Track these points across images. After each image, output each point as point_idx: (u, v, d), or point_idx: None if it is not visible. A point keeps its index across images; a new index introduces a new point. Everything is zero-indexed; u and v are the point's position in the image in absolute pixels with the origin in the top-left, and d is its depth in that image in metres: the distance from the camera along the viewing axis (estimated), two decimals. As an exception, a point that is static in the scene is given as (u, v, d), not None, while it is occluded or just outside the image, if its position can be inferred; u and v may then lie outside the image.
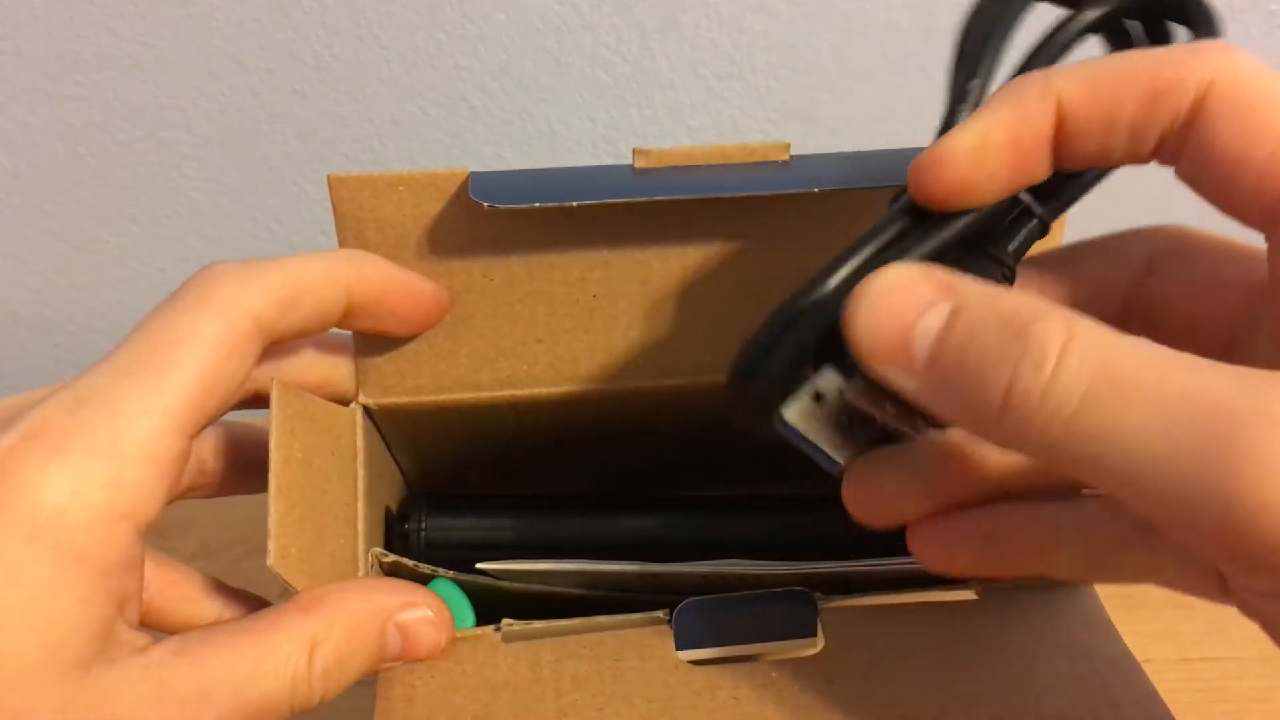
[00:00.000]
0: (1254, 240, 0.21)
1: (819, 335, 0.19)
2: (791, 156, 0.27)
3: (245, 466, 0.28)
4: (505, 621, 0.26)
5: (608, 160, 0.55)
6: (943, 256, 0.19)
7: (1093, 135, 0.19)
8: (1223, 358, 0.17)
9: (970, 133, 0.19)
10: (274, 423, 0.25)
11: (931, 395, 0.18)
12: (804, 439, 0.20)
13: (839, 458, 0.21)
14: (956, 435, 0.23)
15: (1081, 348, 0.16)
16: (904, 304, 0.18)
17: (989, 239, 0.21)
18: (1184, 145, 0.19)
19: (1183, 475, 0.15)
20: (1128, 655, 0.26)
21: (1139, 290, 0.23)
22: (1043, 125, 0.19)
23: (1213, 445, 0.15)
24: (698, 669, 0.25)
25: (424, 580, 0.28)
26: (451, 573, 0.28)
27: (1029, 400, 0.16)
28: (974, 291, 0.18)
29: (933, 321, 0.18)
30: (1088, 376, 0.16)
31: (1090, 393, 0.16)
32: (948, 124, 0.21)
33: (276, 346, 0.26)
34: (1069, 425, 0.16)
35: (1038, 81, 0.19)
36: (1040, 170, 0.20)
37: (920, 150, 0.29)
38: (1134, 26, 0.22)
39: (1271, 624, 0.17)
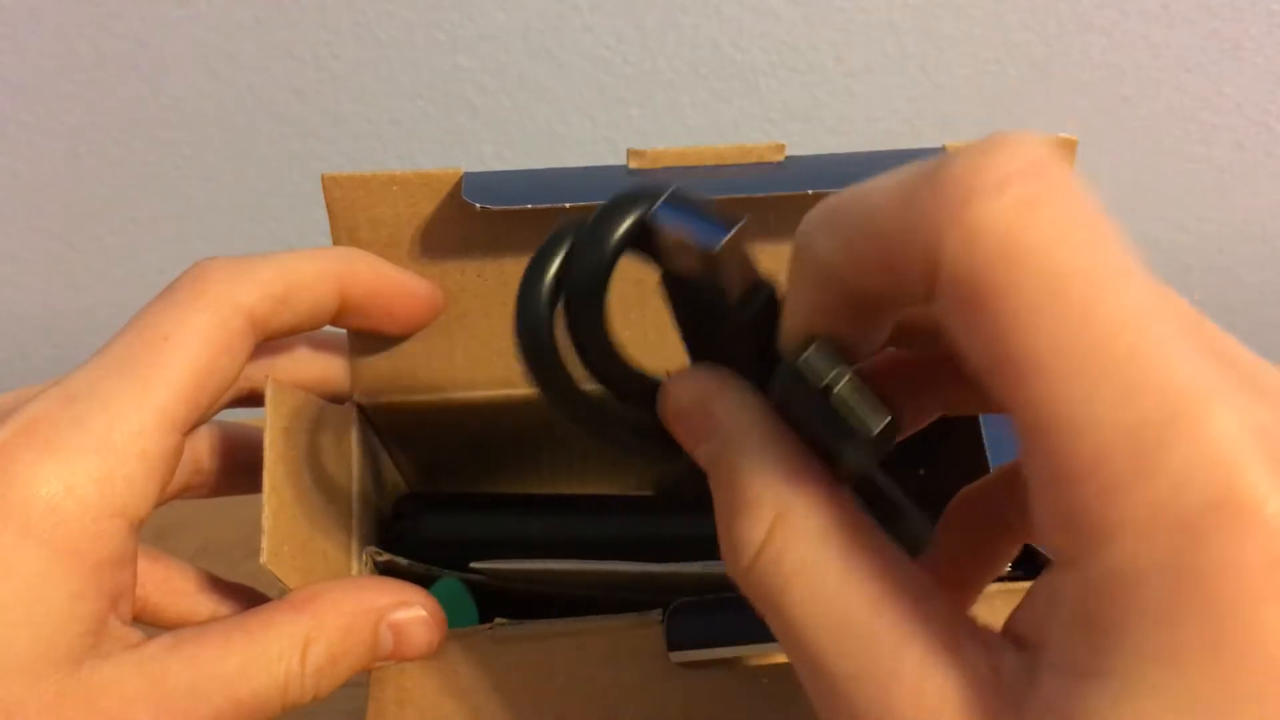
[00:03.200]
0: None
1: None
2: (787, 157, 0.27)
3: (241, 466, 0.28)
4: (498, 621, 0.26)
5: (608, 160, 0.55)
6: None
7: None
8: None
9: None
10: (268, 420, 0.25)
11: None
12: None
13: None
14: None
15: (769, 561, 0.17)
16: (688, 426, 0.19)
17: None
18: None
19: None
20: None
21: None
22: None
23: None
24: (690, 670, 0.25)
25: (418, 578, 0.28)
26: (458, 573, 0.28)
27: (736, 564, 0.17)
28: (731, 434, 0.18)
29: (705, 453, 0.18)
30: (779, 578, 0.16)
31: (785, 587, 0.16)
32: None
33: (271, 344, 0.27)
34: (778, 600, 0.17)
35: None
36: None
37: (918, 151, 0.29)
38: None
39: None
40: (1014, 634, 0.15)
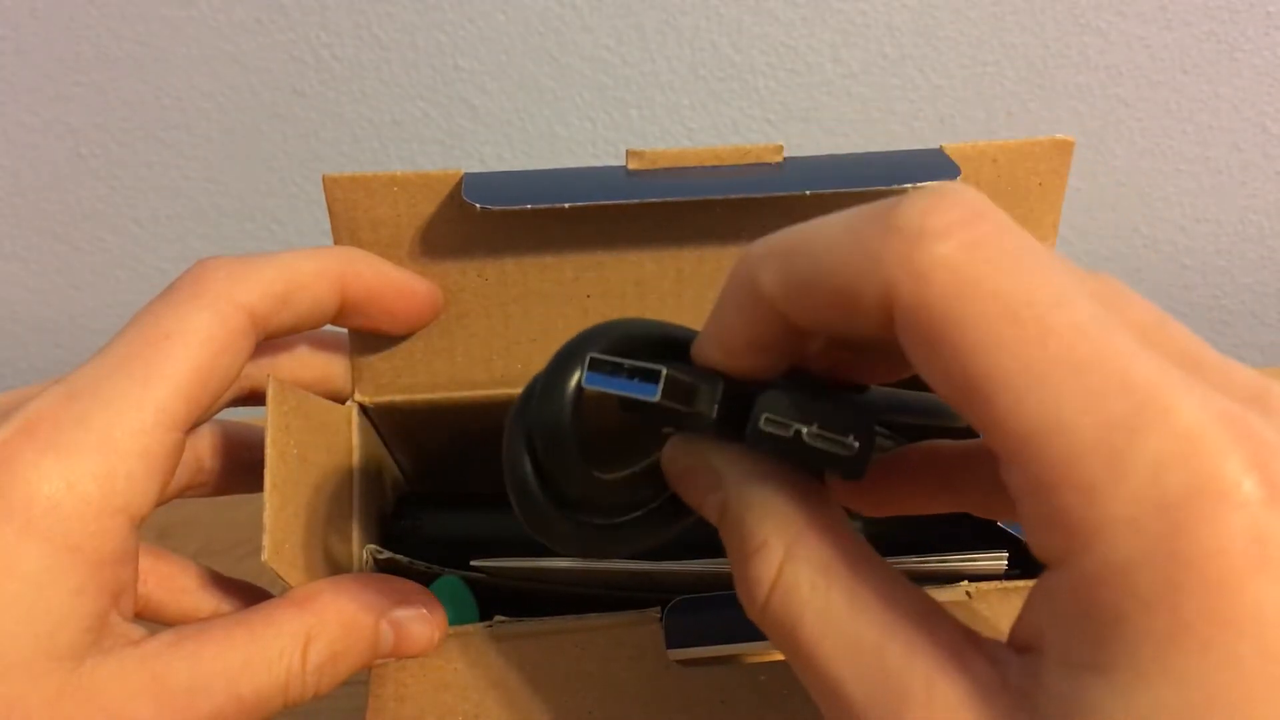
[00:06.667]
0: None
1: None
2: (785, 158, 0.27)
3: (243, 465, 0.28)
4: (498, 618, 0.26)
5: (607, 161, 0.55)
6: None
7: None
8: None
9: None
10: (270, 419, 0.25)
11: None
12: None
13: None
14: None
15: (781, 597, 0.17)
16: (693, 484, 0.20)
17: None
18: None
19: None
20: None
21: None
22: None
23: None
24: (688, 668, 0.25)
25: (419, 576, 0.28)
26: (458, 571, 0.28)
27: (753, 606, 0.18)
28: (733, 485, 0.19)
29: (713, 503, 0.19)
30: (793, 612, 0.17)
31: (798, 620, 0.17)
32: None
33: (272, 343, 0.27)
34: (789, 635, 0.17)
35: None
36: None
37: (917, 152, 0.29)
38: None
39: None
40: (1017, 642, 0.16)
